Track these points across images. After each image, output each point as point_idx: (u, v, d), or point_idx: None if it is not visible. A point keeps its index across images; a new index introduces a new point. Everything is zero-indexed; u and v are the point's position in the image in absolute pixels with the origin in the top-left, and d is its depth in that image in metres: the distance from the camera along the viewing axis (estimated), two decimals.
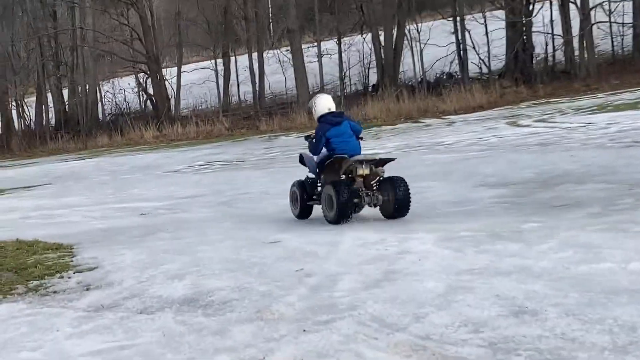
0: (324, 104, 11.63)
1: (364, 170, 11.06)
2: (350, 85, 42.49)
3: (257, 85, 42.67)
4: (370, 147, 24.12)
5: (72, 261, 9.59)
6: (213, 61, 44.26)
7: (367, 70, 42.24)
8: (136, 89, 44.91)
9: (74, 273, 8.99)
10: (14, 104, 44.62)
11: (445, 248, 8.68)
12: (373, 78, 41.64)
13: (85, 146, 40.07)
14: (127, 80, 45.89)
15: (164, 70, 43.90)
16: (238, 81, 43.63)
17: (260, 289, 7.58)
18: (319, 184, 11.68)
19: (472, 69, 38.01)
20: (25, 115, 44.63)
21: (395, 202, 10.94)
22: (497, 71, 38.29)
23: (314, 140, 11.51)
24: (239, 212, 13.39)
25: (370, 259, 8.43)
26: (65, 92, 45.54)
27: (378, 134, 28.67)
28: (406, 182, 10.99)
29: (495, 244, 8.62)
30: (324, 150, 11.39)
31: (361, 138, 11.69)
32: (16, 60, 44.48)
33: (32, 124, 44.51)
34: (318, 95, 12.30)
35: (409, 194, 10.95)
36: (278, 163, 21.90)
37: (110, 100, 44.79)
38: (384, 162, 11.24)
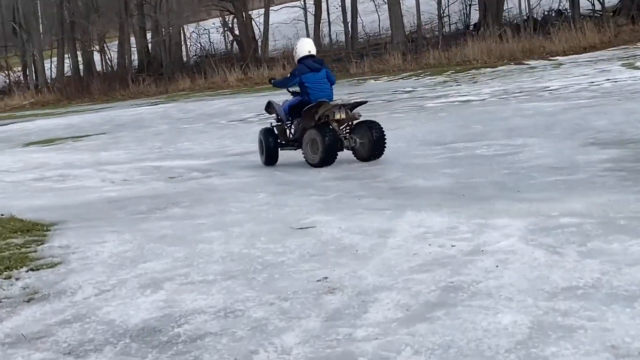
0: (305, 47, 11.84)
1: (340, 115, 11.34)
2: (450, 24, 39.33)
3: (350, 24, 39.86)
4: (465, 92, 21.33)
5: (35, 251, 7.21)
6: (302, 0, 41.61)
7: (468, 8, 38.98)
8: (221, 30, 42.51)
9: (27, 271, 6.63)
10: (96, 45, 42.73)
11: (536, 246, 6.06)
12: (475, 16, 38.42)
13: (166, 90, 38.01)
14: (213, 21, 43.53)
15: (250, 11, 41.43)
16: (329, 20, 40.84)
17: (256, 314, 5.14)
18: (288, 129, 12.07)
19: (584, 5, 34.34)
20: (107, 57, 42.74)
21: (370, 144, 11.33)
22: (612, 7, 34.53)
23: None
24: (286, 177, 10.84)
25: (426, 263, 5.86)
26: (149, 34, 43.43)
27: (475, 77, 25.69)
28: (380, 125, 11.46)
29: (609, 241, 5.99)
30: (295, 99, 11.82)
31: (333, 84, 11.92)
32: None
33: (114, 66, 42.61)
34: (300, 38, 12.86)
35: (384, 135, 11.38)
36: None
37: (194, 41, 42.54)
38: (356, 105, 11.70)
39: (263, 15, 41.07)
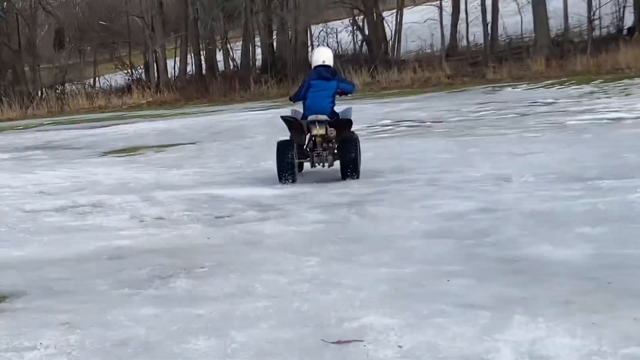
0: (320, 56, 11.57)
1: (318, 131, 11.02)
2: (601, 27, 35.55)
3: (489, 26, 36.58)
4: (616, 106, 18.02)
5: None
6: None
7: (621, 10, 35.13)
8: (350, 30, 39.83)
9: None
10: (219, 43, 40.73)
11: None
12: (629, 19, 34.57)
13: (287, 92, 35.53)
14: (342, 20, 40.93)
15: (382, 11, 38.67)
16: (467, 21, 37.62)
17: None
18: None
19: None
20: (230, 57, 40.68)
21: (344, 163, 11.06)
22: None
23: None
24: (362, 227, 7.98)
25: None
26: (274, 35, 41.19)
27: (628, 89, 22.17)
28: (356, 144, 11.15)
29: None
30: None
31: (353, 92, 11.78)
32: None
33: (237, 65, 40.49)
34: (318, 47, 12.81)
35: (357, 156, 11.08)
36: (481, 128, 16.19)
37: (321, 41, 39.96)
38: (339, 123, 11.14)
39: (395, 15, 38.21)
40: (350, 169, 10.99)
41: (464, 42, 38.25)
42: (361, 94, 32.17)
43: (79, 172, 13.76)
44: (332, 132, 11.04)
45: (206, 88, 38.34)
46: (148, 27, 41.15)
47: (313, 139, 11.16)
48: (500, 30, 37.81)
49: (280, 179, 11.02)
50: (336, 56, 40.02)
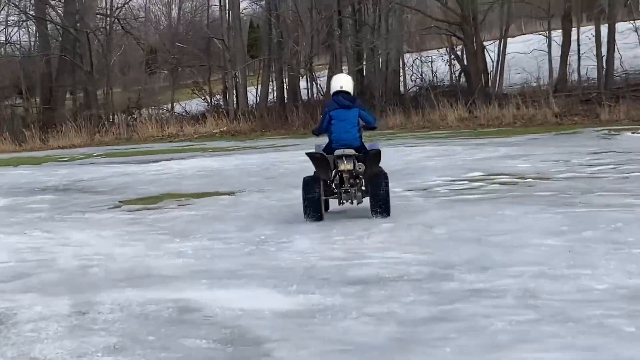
0: (337, 82, 11.16)
1: (345, 166, 10.58)
2: None
3: (604, 59, 32.28)
4: None
5: None
6: (545, 29, 34.32)
7: None
8: (447, 58, 35.96)
9: None
10: (303, 70, 37.33)
11: None
12: None
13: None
14: (438, 48, 37.13)
15: (484, 41, 34.75)
16: (579, 53, 33.35)
17: None
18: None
19: None
20: (316, 83, 37.23)
21: (374, 200, 10.48)
22: None
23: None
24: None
25: None
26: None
27: None
28: (386, 179, 10.55)
29: None
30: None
31: (374, 128, 11.36)
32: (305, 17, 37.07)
33: (322, 93, 36.97)
34: (336, 74, 12.46)
35: (387, 192, 10.50)
36: (599, 193, 12.16)
37: (415, 70, 36.20)
38: (368, 157, 10.61)
39: (498, 45, 34.19)
40: (381, 208, 10.50)
41: (575, 77, 33.96)
42: (455, 131, 28.35)
43: (47, 240, 10.35)
44: (361, 166, 10.59)
45: (286, 117, 34.97)
46: (228, 50, 38.04)
47: (340, 174, 10.76)
48: (616, 65, 33.43)
49: (305, 215, 10.60)
50: (431, 87, 36.53)
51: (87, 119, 37.57)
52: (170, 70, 42.45)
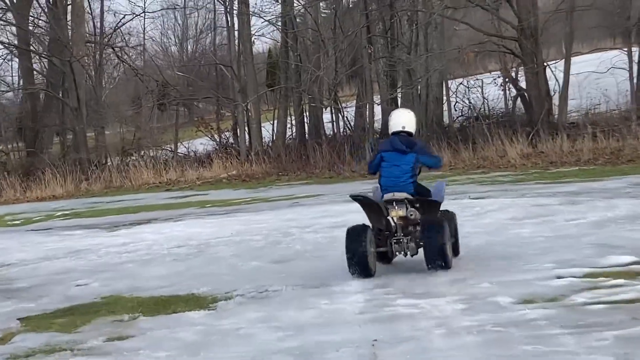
0: (398, 120, 9.86)
1: (397, 212, 9.48)
2: None
3: None
4: None
5: None
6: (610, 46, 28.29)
7: None
8: (500, 82, 29.82)
9: None
10: (327, 100, 31.29)
11: None
12: None
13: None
14: (490, 72, 30.98)
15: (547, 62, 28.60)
16: None
17: None
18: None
19: None
20: (343, 116, 31.27)
21: (427, 252, 9.29)
22: None
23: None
24: None
25: None
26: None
27: None
28: (442, 227, 9.27)
29: None
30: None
31: (439, 168, 10.82)
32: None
33: (350, 128, 30.99)
34: (398, 109, 11.44)
35: (443, 243, 9.21)
36: None
37: (461, 97, 30.06)
38: (422, 203, 9.49)
39: (564, 61, 28.08)
40: (438, 259, 9.21)
41: None
42: (521, 172, 22.26)
43: None
44: (413, 213, 9.44)
45: (307, 157, 29.00)
46: (237, 78, 32.18)
47: (391, 221, 9.48)
48: None
49: (351, 270, 9.32)
50: (482, 116, 30.50)
51: (73, 164, 31.78)
52: (173, 104, 36.46)
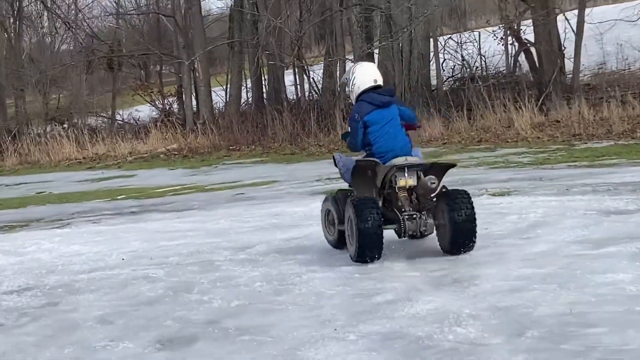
0: (368, 74, 7.90)
1: (407, 181, 7.51)
2: None
3: None
4: None
5: None
6: None
7: None
8: (500, 35, 24.42)
9: None
10: (289, 57, 25.82)
11: None
12: None
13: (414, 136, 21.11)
14: (490, 28, 25.54)
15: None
16: None
17: None
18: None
19: None
20: (308, 76, 25.92)
21: (452, 229, 7.34)
22: None
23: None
24: None
25: None
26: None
27: None
28: (470, 199, 7.43)
29: None
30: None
31: (418, 127, 8.49)
32: None
33: (318, 91, 25.66)
34: (359, 62, 8.46)
35: (474, 217, 7.35)
36: None
37: (451, 54, 24.74)
38: (439, 169, 7.61)
39: (577, 8, 22.85)
40: (471, 240, 7.39)
41: None
42: (536, 147, 17.14)
43: None
44: (434, 181, 7.34)
45: (264, 127, 23.65)
46: (181, 31, 26.72)
47: (399, 194, 7.53)
48: None
49: (362, 256, 7.35)
50: (480, 78, 25.30)
51: None
52: (107, 64, 30.78)
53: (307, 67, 25.78)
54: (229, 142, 23.21)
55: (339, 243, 8.00)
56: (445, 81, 24.51)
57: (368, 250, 7.34)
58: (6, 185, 19.40)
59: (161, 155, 23.06)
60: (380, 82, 7.92)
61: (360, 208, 7.30)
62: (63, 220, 12.22)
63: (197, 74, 26.66)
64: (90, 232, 10.49)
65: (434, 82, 24.17)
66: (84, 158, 23.89)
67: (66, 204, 14.47)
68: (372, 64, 8.52)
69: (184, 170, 19.22)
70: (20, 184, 19.61)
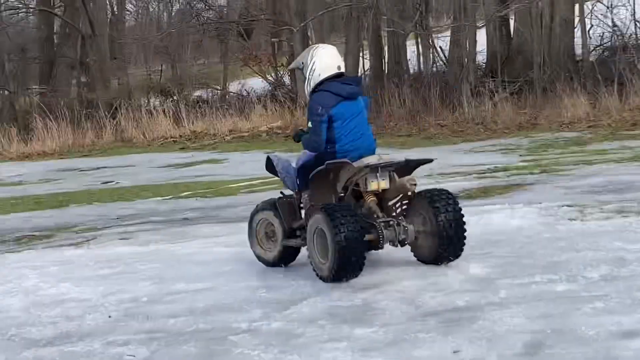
0: (331, 59, 6.82)
1: (379, 184, 6.57)
2: None
3: None
4: None
5: None
6: None
7: None
8: None
9: None
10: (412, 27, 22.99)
11: None
12: None
13: (534, 117, 18.10)
14: None
15: None
16: None
17: None
18: (301, 207, 6.96)
19: None
20: (434, 49, 23.06)
21: (439, 235, 6.50)
22: None
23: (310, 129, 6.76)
24: None
25: None
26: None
27: None
28: (454, 199, 6.64)
29: None
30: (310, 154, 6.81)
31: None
32: None
33: (445, 62, 22.82)
34: (319, 45, 7.18)
35: (462, 219, 6.56)
36: None
37: (599, 21, 21.49)
38: (414, 166, 6.83)
39: None
40: (461, 245, 6.57)
41: None
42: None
43: None
44: (414, 182, 6.60)
45: (381, 102, 20.94)
46: None
47: (369, 197, 6.62)
48: None
49: (340, 275, 6.28)
50: (636, 48, 21.37)
51: (85, 108, 24.53)
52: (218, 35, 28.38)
53: (432, 34, 22.87)
54: None
55: (280, 260, 7.03)
56: (592, 51, 21.33)
57: (349, 267, 6.26)
58: (80, 171, 17.27)
59: (262, 135, 20.64)
60: (343, 69, 6.90)
61: (336, 216, 6.22)
62: (91, 231, 9.66)
63: (310, 43, 24.16)
64: (102, 259, 7.82)
65: (578, 51, 21.21)
66: (180, 136, 21.67)
67: (116, 203, 11.97)
68: (333, 47, 7.26)
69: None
70: (97, 168, 17.46)
